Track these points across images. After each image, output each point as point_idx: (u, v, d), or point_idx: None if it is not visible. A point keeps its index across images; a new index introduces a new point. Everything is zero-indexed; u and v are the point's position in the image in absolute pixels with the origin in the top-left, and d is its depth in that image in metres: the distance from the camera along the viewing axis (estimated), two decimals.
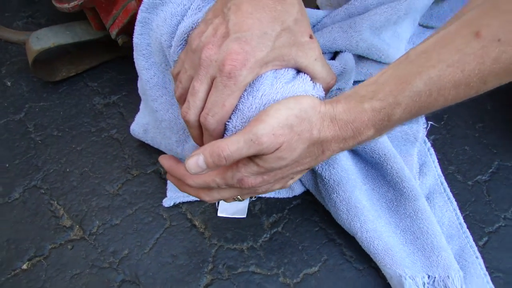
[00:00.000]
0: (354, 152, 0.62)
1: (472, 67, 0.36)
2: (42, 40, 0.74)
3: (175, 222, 0.64)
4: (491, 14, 0.36)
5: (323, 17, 0.62)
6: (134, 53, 0.58)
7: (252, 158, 0.42)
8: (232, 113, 0.43)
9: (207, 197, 0.49)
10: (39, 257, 0.62)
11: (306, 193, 0.65)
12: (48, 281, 0.60)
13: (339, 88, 0.60)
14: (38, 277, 0.60)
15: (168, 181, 0.66)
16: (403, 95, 0.38)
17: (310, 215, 0.64)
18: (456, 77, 0.37)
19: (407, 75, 0.38)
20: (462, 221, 0.62)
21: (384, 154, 0.59)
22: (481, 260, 0.59)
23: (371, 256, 0.58)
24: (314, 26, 0.64)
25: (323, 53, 0.53)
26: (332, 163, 0.58)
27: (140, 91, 0.64)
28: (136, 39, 0.56)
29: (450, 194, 0.64)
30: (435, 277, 0.55)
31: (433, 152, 0.67)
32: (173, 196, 0.65)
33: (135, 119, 0.68)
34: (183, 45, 0.49)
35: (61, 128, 0.74)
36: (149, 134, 0.65)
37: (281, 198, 0.65)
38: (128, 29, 0.71)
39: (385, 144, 0.59)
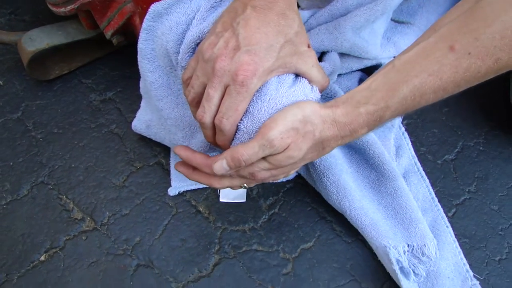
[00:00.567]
0: None
1: (448, 75, 0.44)
2: (36, 41, 0.76)
3: (181, 209, 0.70)
4: (462, 31, 0.44)
5: (308, 18, 0.68)
6: (139, 57, 0.62)
7: (265, 157, 0.49)
8: (243, 116, 0.50)
9: (218, 184, 0.55)
10: (55, 249, 0.66)
11: (298, 177, 0.73)
12: (67, 270, 0.65)
13: None
14: (57, 267, 0.65)
15: (172, 171, 0.72)
16: (393, 101, 0.46)
17: (303, 196, 0.72)
18: (436, 84, 0.45)
19: (395, 83, 0.46)
20: (434, 195, 0.71)
21: (367, 141, 0.67)
22: (450, 229, 0.69)
23: (359, 230, 0.67)
24: None
25: None
26: None
27: (142, 91, 0.68)
28: (141, 44, 0.61)
29: (423, 173, 0.73)
30: (413, 246, 0.64)
31: (407, 135, 0.76)
32: (178, 185, 0.71)
33: (137, 115, 0.73)
34: (191, 52, 0.54)
35: (61, 125, 0.78)
36: (152, 129, 0.70)
37: (276, 183, 0.72)
38: (122, 30, 0.74)
39: None
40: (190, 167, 0.55)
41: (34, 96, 0.81)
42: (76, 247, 0.67)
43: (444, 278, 0.64)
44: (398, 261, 0.63)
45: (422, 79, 0.45)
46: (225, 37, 0.48)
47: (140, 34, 0.60)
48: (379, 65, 0.72)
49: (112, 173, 0.73)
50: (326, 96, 0.68)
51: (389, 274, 0.65)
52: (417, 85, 0.45)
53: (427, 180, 0.72)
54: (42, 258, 0.66)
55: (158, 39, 0.59)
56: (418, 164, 0.73)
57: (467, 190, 0.74)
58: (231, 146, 0.52)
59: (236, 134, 0.51)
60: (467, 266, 0.66)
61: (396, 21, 0.78)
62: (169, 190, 0.71)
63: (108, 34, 0.74)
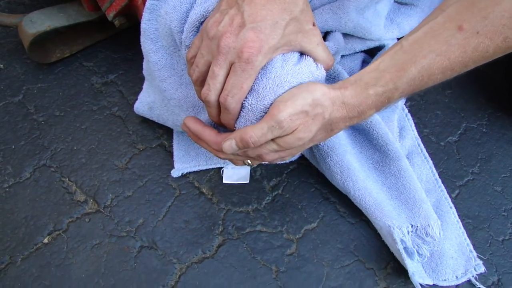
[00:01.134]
0: None
1: (456, 55, 0.44)
2: (37, 23, 0.75)
3: (184, 191, 0.70)
4: (470, 10, 0.44)
5: None
6: (142, 37, 0.62)
7: (274, 139, 0.48)
8: (248, 93, 0.49)
9: (223, 155, 0.55)
10: (59, 231, 0.66)
11: (302, 158, 0.73)
12: (70, 252, 0.65)
13: None
14: (60, 249, 0.65)
15: (175, 153, 0.72)
16: (401, 82, 0.46)
17: (306, 177, 0.72)
18: (444, 64, 0.45)
19: (403, 64, 0.46)
20: (438, 177, 0.71)
21: (370, 121, 0.67)
22: (454, 210, 0.69)
23: (363, 211, 0.67)
24: None
25: None
26: None
27: (145, 72, 0.68)
28: (144, 24, 0.60)
29: (426, 154, 0.73)
30: (417, 226, 0.64)
31: (410, 117, 0.76)
32: (180, 167, 0.71)
33: (139, 97, 0.72)
34: (195, 31, 0.53)
35: (63, 108, 0.77)
36: (155, 111, 0.70)
37: (279, 164, 0.72)
38: (124, 11, 0.74)
39: None
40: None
41: (35, 79, 0.80)
42: (80, 230, 0.67)
43: (447, 258, 0.64)
44: (402, 241, 0.63)
45: (430, 60, 0.45)
46: (230, 14, 0.48)
47: (143, 14, 0.60)
48: (382, 47, 0.72)
49: (115, 155, 0.73)
50: (330, 77, 0.68)
51: (393, 254, 0.65)
52: (425, 65, 0.45)
53: (431, 161, 0.72)
54: (46, 240, 0.66)
55: (162, 18, 0.58)
56: (422, 145, 0.73)
57: (470, 171, 0.74)
58: (236, 124, 0.51)
59: (241, 112, 0.51)
60: (471, 247, 0.66)
61: (399, 2, 0.77)
62: (172, 171, 0.71)
63: (110, 16, 0.74)
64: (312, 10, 0.67)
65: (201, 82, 0.52)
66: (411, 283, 0.62)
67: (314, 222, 0.68)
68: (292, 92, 0.48)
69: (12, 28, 0.80)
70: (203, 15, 0.52)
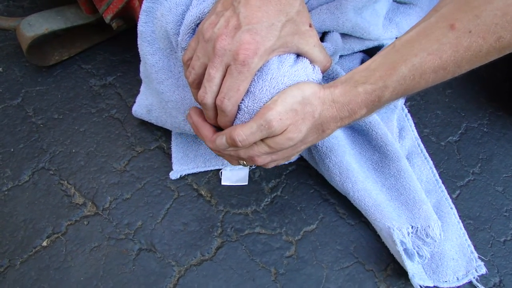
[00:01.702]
0: None
1: (448, 54, 0.43)
2: (35, 26, 0.75)
3: (182, 193, 0.70)
4: (463, 9, 0.43)
5: None
6: (139, 40, 0.61)
7: (264, 140, 0.48)
8: (244, 96, 0.49)
9: (218, 152, 0.55)
10: (57, 234, 0.66)
11: (300, 159, 0.73)
12: (69, 255, 0.65)
13: None
14: (59, 252, 0.65)
15: (173, 155, 0.72)
16: (391, 80, 0.45)
17: (305, 179, 0.71)
18: (436, 63, 0.44)
19: (394, 62, 0.45)
20: (438, 177, 0.70)
21: (369, 122, 0.66)
22: (455, 210, 0.68)
23: (362, 212, 0.66)
24: None
25: None
26: None
27: (142, 75, 0.68)
28: (141, 27, 0.60)
29: (426, 154, 0.72)
30: (417, 227, 0.64)
31: (410, 117, 0.75)
32: (179, 169, 0.71)
33: (137, 100, 0.72)
34: (191, 33, 0.53)
35: (61, 111, 0.77)
36: (153, 114, 0.70)
37: (278, 165, 0.72)
38: (122, 14, 0.74)
39: None
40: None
41: (34, 82, 0.80)
42: (78, 233, 0.66)
43: (448, 259, 0.64)
44: (402, 242, 0.62)
45: (422, 58, 0.44)
46: (226, 16, 0.47)
47: (139, 16, 0.60)
48: (381, 46, 0.71)
49: (113, 158, 0.73)
50: (328, 78, 0.68)
51: (393, 256, 0.65)
52: (416, 64, 0.44)
53: (431, 162, 0.71)
54: (44, 243, 0.66)
55: (158, 20, 0.58)
56: (422, 145, 0.73)
57: (471, 171, 0.74)
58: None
59: (238, 114, 0.50)
60: (472, 248, 0.66)
61: (398, 1, 0.77)
62: (170, 174, 0.71)
63: (107, 18, 0.74)
64: (310, 11, 0.67)
65: (197, 84, 0.51)
66: (411, 285, 0.62)
67: (313, 224, 0.68)
68: (282, 91, 0.48)
69: (11, 31, 0.81)
70: (199, 17, 0.52)
